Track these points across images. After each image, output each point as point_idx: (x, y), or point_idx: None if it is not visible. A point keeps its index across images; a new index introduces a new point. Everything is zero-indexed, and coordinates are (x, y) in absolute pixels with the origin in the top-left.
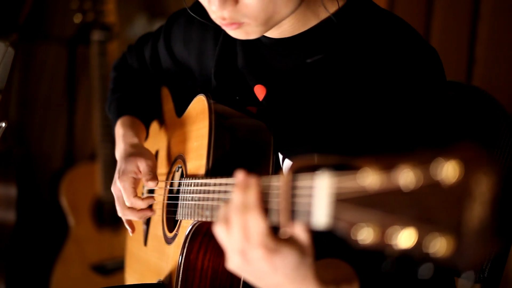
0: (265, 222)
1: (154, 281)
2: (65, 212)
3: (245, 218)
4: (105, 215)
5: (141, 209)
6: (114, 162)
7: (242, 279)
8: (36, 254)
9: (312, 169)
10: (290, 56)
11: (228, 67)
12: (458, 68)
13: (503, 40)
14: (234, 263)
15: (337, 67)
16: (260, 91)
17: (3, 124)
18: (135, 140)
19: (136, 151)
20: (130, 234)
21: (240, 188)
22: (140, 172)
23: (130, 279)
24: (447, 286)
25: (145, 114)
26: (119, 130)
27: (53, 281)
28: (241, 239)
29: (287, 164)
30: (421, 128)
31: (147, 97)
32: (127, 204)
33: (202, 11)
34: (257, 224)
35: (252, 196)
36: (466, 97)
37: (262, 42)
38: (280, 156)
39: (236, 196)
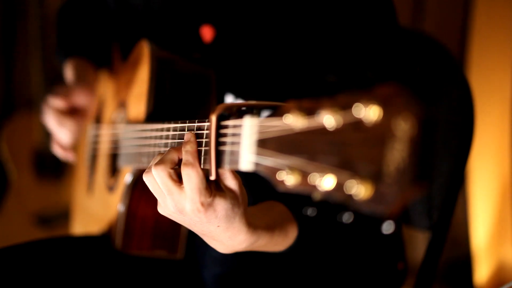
0: (201, 179)
1: (97, 229)
2: (5, 162)
3: (181, 173)
4: (47, 165)
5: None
6: None
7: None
8: None
9: (240, 112)
10: None
11: (176, 4)
12: (404, 16)
13: None
14: (166, 211)
15: None
16: (207, 32)
17: None
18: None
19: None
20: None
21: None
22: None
23: (75, 227)
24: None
25: (94, 54)
26: (69, 72)
27: None
28: (175, 192)
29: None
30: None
31: (96, 37)
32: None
33: None
34: (193, 180)
35: (189, 152)
36: (415, 45)
37: None
38: (231, 97)
39: (173, 151)
